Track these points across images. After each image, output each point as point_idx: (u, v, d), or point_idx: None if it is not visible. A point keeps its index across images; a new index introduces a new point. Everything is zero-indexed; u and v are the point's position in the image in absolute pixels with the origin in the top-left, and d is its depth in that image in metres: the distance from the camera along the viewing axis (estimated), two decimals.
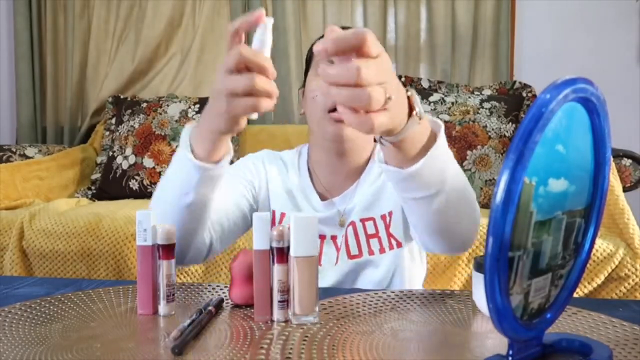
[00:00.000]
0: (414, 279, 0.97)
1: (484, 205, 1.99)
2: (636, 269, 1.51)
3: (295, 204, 0.99)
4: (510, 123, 2.11)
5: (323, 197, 0.99)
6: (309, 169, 1.02)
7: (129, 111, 2.48)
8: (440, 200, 0.68)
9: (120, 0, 2.82)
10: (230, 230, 0.90)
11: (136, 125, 2.40)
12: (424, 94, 2.26)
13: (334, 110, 0.88)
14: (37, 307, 0.68)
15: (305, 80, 1.01)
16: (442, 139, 0.65)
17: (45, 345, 0.55)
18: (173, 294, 0.66)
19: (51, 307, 0.68)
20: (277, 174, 1.02)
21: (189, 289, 0.76)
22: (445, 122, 2.13)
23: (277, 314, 0.63)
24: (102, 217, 1.74)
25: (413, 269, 0.97)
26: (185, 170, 0.72)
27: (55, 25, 2.88)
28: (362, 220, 0.95)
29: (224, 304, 0.69)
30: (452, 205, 0.70)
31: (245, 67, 0.60)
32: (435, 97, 2.23)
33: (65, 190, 2.40)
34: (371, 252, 0.94)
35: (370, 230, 0.95)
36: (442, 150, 0.66)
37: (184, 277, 1.67)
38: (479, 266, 0.63)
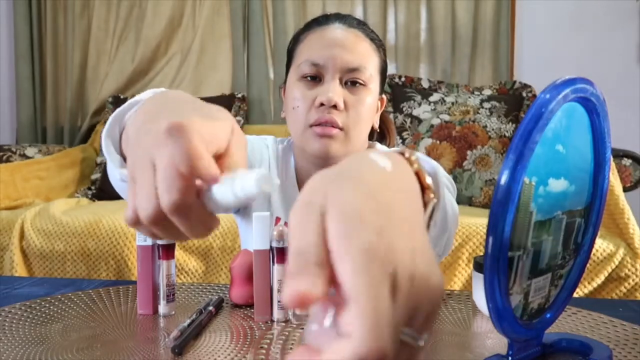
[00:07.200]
0: None
1: (484, 205, 1.99)
2: (636, 269, 1.51)
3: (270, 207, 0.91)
4: (510, 123, 2.11)
5: None
6: (296, 170, 0.94)
7: None
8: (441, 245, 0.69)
9: (120, 0, 2.82)
10: None
11: None
12: (424, 94, 2.26)
13: (317, 124, 0.81)
14: (37, 307, 0.68)
15: (286, 77, 0.91)
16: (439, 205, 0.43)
17: (45, 345, 0.55)
18: (173, 294, 0.66)
19: (51, 307, 0.68)
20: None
21: (189, 289, 0.76)
22: (445, 122, 2.13)
23: (277, 314, 0.62)
24: (102, 217, 1.74)
25: None
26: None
27: (55, 25, 2.88)
28: None
29: (224, 304, 0.69)
30: (449, 240, 0.70)
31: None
32: (435, 97, 2.23)
33: (65, 190, 2.40)
34: None
35: None
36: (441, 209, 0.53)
37: (184, 277, 1.67)
38: (479, 266, 0.63)
